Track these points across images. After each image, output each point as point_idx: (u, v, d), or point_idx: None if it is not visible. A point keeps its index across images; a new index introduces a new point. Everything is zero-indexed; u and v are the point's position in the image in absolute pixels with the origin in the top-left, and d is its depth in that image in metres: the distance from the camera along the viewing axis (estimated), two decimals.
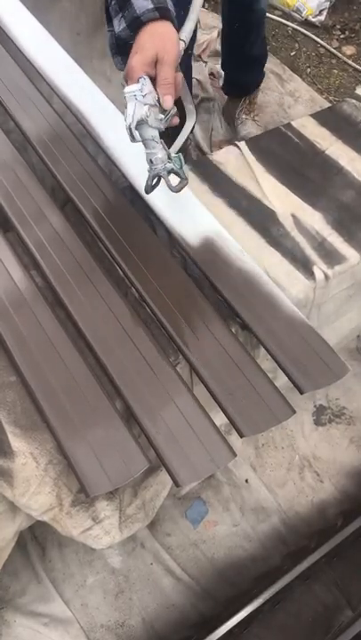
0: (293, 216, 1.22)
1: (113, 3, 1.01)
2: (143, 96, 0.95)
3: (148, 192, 1.03)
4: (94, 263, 1.09)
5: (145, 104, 0.95)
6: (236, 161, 1.31)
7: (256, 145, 1.35)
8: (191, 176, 1.28)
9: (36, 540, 1.33)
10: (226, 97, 2.21)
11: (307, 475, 1.48)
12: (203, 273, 1.11)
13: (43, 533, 1.33)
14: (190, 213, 1.17)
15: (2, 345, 0.98)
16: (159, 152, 0.97)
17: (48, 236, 1.12)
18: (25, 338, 0.98)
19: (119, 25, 1.01)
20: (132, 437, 0.89)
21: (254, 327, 1.04)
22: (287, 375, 1.00)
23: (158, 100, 0.97)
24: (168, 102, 0.97)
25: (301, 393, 0.97)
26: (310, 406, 1.58)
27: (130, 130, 0.96)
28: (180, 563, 1.35)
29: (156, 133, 0.97)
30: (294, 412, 0.94)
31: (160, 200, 1.18)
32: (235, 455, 0.89)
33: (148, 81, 0.96)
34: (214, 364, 0.98)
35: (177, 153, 1.00)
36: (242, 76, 2.09)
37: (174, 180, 1.00)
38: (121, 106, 1.48)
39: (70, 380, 0.94)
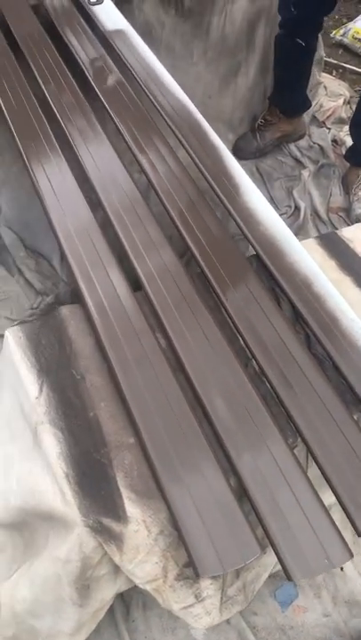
0: None
1: None
2: None
3: None
4: (216, 329, 1.10)
5: None
6: None
7: None
8: (319, 251, 1.28)
9: (122, 598, 1.32)
10: (347, 165, 2.21)
11: None
12: (327, 353, 1.09)
13: (128, 592, 1.31)
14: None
15: (123, 404, 1.00)
16: None
17: (174, 300, 1.14)
18: (147, 400, 1.00)
19: None
20: (245, 518, 0.88)
21: None
22: None
23: None
24: None
25: None
26: None
27: None
28: None
29: None
30: None
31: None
32: (351, 555, 0.85)
33: None
34: (335, 454, 0.94)
35: None
36: None
37: None
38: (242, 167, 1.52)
39: (188, 450, 0.94)
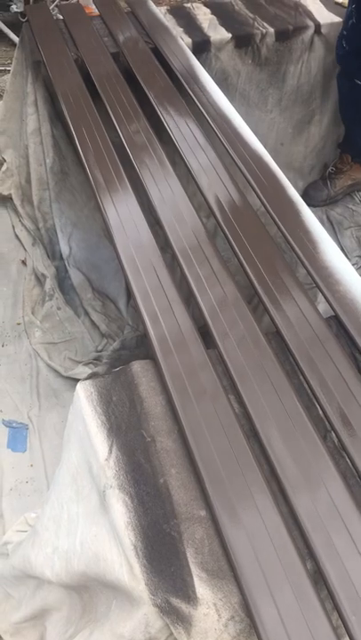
0: None
1: None
2: None
3: None
4: (293, 395, 1.05)
5: None
6: None
7: None
8: None
9: None
10: None
11: None
12: None
13: None
14: None
15: (195, 472, 0.96)
16: None
17: (249, 361, 1.10)
18: (219, 469, 0.95)
19: None
20: (323, 610, 0.81)
21: None
22: None
23: None
24: None
25: None
26: None
27: None
28: None
29: None
30: None
31: None
32: None
33: None
34: None
35: None
36: None
37: None
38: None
39: (262, 527, 0.89)
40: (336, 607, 0.82)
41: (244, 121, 1.71)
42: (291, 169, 2.20)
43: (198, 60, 1.88)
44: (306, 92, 2.04)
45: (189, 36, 1.99)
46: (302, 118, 2.09)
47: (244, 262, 1.29)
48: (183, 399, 1.05)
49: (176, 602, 0.83)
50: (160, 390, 1.08)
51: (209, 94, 1.79)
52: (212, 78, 1.85)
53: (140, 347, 1.67)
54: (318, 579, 0.87)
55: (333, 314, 1.21)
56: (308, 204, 1.44)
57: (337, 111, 2.12)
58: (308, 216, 1.40)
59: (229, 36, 1.95)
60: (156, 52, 1.90)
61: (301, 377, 1.10)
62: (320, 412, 1.05)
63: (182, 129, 1.67)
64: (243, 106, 2.04)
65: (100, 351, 1.73)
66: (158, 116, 1.68)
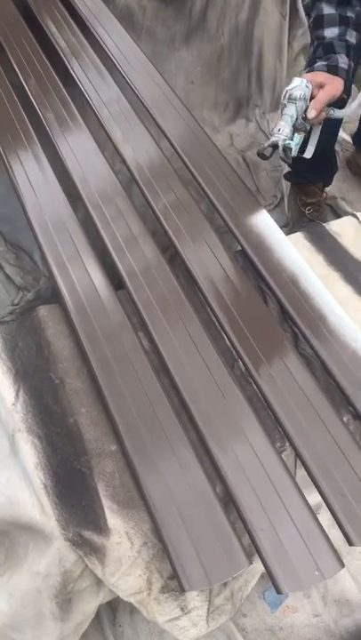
0: None
1: (309, 62, 1.30)
2: (306, 86, 1.16)
3: (258, 154, 1.21)
4: (202, 329, 1.06)
5: (303, 92, 1.15)
6: (354, 232, 1.26)
7: None
8: (306, 245, 1.24)
9: (108, 604, 1.29)
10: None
11: None
12: (315, 352, 1.05)
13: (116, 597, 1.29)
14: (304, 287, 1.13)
15: (105, 410, 0.96)
16: (287, 128, 1.16)
17: (158, 298, 1.10)
18: (129, 404, 0.96)
19: (304, 73, 1.26)
20: (232, 528, 0.84)
21: None
22: None
23: (307, 108, 1.18)
24: (312, 113, 1.18)
25: None
26: None
27: (285, 92, 1.16)
28: None
29: (295, 115, 1.17)
30: None
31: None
32: (342, 566, 0.82)
33: (311, 87, 1.17)
34: (323, 457, 0.91)
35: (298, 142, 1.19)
36: None
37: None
38: (227, 156, 1.48)
39: (172, 456, 0.90)
40: (246, 528, 0.85)
41: (152, 60, 1.66)
42: (205, 107, 2.15)
43: None
44: (212, 28, 1.99)
45: None
46: (211, 55, 2.04)
47: (154, 206, 1.26)
48: (92, 339, 1.04)
49: (88, 534, 0.84)
50: (68, 333, 1.07)
51: (114, 34, 1.72)
52: (117, 16, 1.77)
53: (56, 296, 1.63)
54: (228, 501, 0.89)
55: (240, 248, 1.21)
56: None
57: (247, 46, 2.08)
58: (216, 152, 1.39)
59: None
60: None
61: (210, 310, 1.11)
62: (228, 342, 1.07)
63: (89, 74, 1.60)
64: (149, 44, 1.97)
65: (17, 304, 1.68)
66: (62, 61, 1.60)
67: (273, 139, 1.17)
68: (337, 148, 2.12)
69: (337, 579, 1.35)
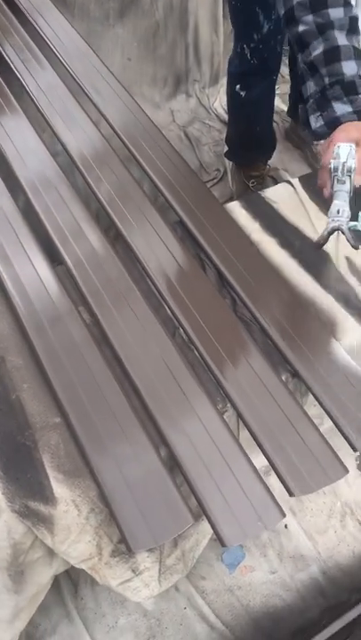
0: (348, 259, 1.18)
1: (311, 101, 1.09)
2: (354, 152, 1.00)
3: (320, 244, 1.04)
4: (142, 299, 1.08)
5: (354, 161, 1.00)
6: (289, 199, 1.28)
7: (310, 182, 1.31)
8: (242, 213, 1.26)
9: (69, 577, 1.30)
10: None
11: (349, 523, 1.42)
12: (253, 316, 1.08)
13: (76, 570, 1.30)
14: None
15: (47, 384, 0.97)
16: (347, 206, 1.01)
17: (96, 270, 1.11)
18: (71, 376, 0.97)
19: (316, 122, 1.09)
20: (176, 488, 0.86)
21: (304, 375, 1.00)
22: (338, 429, 0.95)
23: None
24: (359, 180, 1.03)
25: (355, 451, 0.93)
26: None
27: (339, 165, 1.00)
28: (215, 609, 1.30)
29: (351, 190, 1.02)
30: (347, 471, 0.90)
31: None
32: (284, 515, 0.85)
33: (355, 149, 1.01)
34: (263, 415, 0.94)
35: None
36: None
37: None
38: (169, 132, 1.48)
39: (115, 424, 0.92)
40: (190, 488, 0.87)
41: (87, 38, 1.64)
42: (144, 84, 2.15)
43: None
44: (146, 3, 1.98)
45: None
46: (146, 30, 2.03)
47: (92, 185, 1.26)
48: (31, 316, 1.04)
49: (34, 505, 0.85)
50: (7, 312, 1.07)
51: (46, 14, 1.69)
52: None
53: None
54: (173, 465, 0.91)
55: (178, 219, 1.22)
56: None
57: (182, 20, 2.08)
58: (155, 130, 1.39)
59: None
60: None
61: (149, 281, 1.12)
62: (168, 311, 1.08)
63: (22, 57, 1.58)
64: (83, 22, 1.95)
65: None
66: None
67: (333, 224, 1.01)
68: (276, 119, 2.15)
69: (291, 536, 1.40)
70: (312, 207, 1.25)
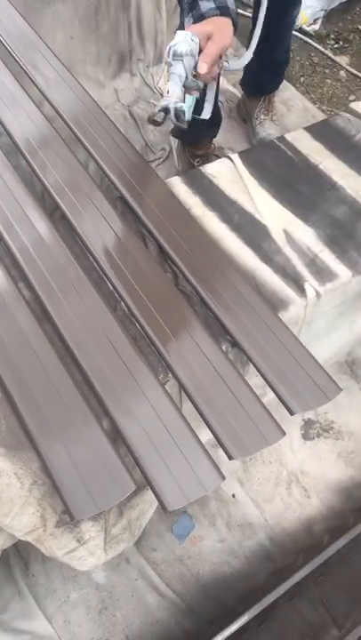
0: (285, 231, 1.21)
1: (185, 5, 1.17)
2: (192, 40, 1.05)
3: (149, 121, 1.10)
4: (83, 275, 1.08)
5: (189, 47, 1.05)
6: (229, 174, 1.30)
7: (249, 158, 1.33)
8: (183, 188, 1.27)
9: (19, 554, 1.31)
10: (241, 95, 2.17)
11: (294, 490, 1.47)
12: (194, 288, 1.09)
13: (26, 547, 1.30)
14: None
15: None
16: (177, 89, 1.06)
17: (35, 246, 1.10)
18: (11, 352, 0.96)
19: (188, 22, 1.16)
20: (119, 458, 0.88)
21: (244, 345, 1.03)
22: (277, 396, 0.98)
23: (196, 64, 1.07)
24: (202, 68, 1.07)
25: (291, 414, 0.96)
26: (299, 420, 1.56)
27: (168, 49, 1.06)
28: (166, 579, 1.33)
29: (183, 74, 1.06)
30: (284, 433, 0.93)
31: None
32: (223, 478, 0.87)
33: (197, 40, 1.06)
34: (204, 384, 0.96)
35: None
36: (265, 77, 2.03)
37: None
38: (114, 112, 1.46)
39: (57, 397, 0.92)
40: (133, 456, 0.89)
41: (26, 15, 1.60)
42: (87, 63, 2.12)
43: None
44: None
45: None
46: (88, 8, 2.00)
47: (35, 169, 1.24)
48: None
49: None
50: None
51: None
52: None
53: None
54: (116, 436, 0.93)
55: (119, 195, 1.22)
56: None
57: None
58: (97, 110, 1.38)
59: None
60: None
61: (90, 257, 1.12)
62: (110, 286, 1.09)
63: None
64: None
65: None
66: None
67: (163, 102, 1.06)
68: (221, 98, 2.16)
69: (239, 505, 1.44)
70: (251, 182, 1.27)
